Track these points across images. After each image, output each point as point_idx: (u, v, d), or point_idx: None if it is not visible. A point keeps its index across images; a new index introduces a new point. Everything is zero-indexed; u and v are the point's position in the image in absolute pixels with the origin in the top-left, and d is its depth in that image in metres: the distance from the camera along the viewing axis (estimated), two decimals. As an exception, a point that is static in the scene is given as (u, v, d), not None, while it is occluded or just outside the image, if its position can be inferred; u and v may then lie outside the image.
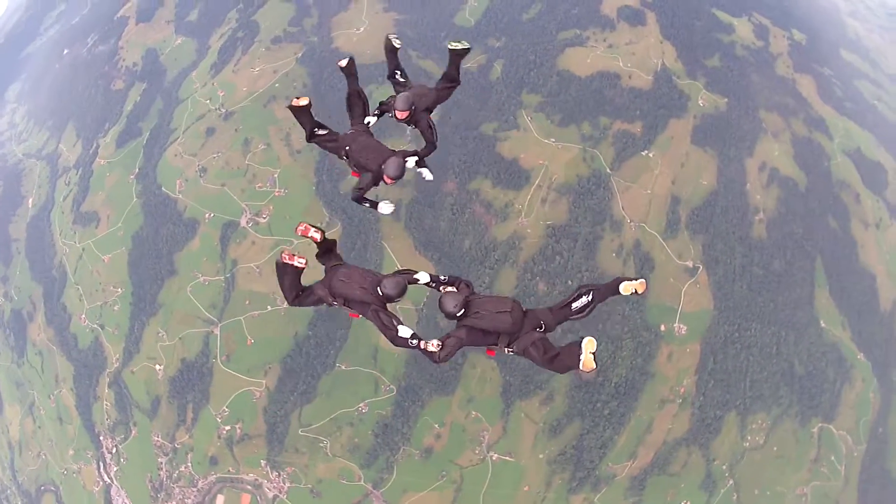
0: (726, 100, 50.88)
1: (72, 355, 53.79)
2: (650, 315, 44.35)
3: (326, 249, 9.24)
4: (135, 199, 52.28)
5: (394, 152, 9.39)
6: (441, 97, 10.82)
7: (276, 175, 47.46)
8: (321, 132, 9.93)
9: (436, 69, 49.78)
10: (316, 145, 10.21)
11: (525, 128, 46.57)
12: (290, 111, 10.20)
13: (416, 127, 9.94)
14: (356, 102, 10.33)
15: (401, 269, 8.64)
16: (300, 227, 9.10)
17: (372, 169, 9.20)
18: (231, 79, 52.00)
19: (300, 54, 51.28)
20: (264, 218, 46.89)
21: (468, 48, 10.75)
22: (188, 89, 53.56)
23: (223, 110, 50.64)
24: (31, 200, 61.40)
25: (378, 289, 7.71)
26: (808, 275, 49.86)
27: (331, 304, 8.44)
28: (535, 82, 48.35)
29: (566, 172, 45.41)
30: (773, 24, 58.07)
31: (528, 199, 44.62)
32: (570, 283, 43.44)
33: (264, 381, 45.65)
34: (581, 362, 7.19)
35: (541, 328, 7.74)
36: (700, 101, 49.91)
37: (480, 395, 43.09)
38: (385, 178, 9.01)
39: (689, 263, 45.75)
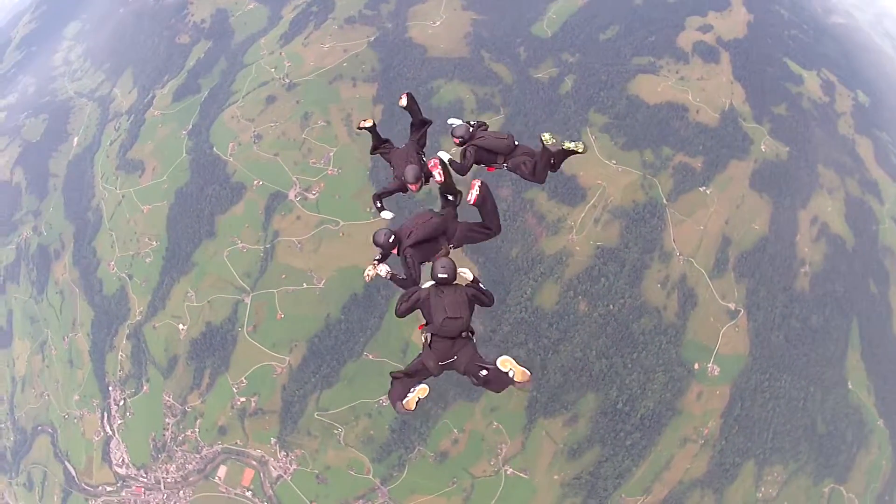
0: (788, 149, 49.71)
1: (94, 300, 52.43)
2: (686, 351, 43.03)
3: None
4: (184, 155, 51.08)
5: (414, 161, 9.40)
6: (519, 169, 9.57)
7: (331, 153, 46.26)
8: (384, 147, 10.18)
9: (506, 73, 48.74)
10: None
11: (588, 146, 45.29)
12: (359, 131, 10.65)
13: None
14: (418, 127, 10.19)
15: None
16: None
17: (397, 174, 9.24)
18: (299, 51, 50.92)
19: (373, 38, 50.23)
20: (314, 194, 45.65)
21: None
22: (254, 55, 52.48)
23: (287, 80, 49.52)
24: (76, 139, 60.19)
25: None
26: (843, 335, 48.55)
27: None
28: (604, 103, 47.24)
29: (623, 196, 44.21)
30: (840, 82, 56.97)
31: (582, 217, 43.37)
32: (611, 307, 42.17)
33: (288, 359, 44.29)
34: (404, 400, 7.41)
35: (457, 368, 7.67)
36: (763, 147, 48.75)
37: (505, 406, 41.72)
38: (408, 184, 8.94)
39: (732, 306, 44.44)
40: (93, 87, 61.48)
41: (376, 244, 8.47)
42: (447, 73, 47.28)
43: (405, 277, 8.51)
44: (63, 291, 55.07)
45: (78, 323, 53.37)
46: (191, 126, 51.66)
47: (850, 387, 48.88)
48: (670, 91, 48.37)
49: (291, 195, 45.99)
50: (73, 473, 51.71)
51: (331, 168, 45.84)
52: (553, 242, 42.84)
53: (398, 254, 8.60)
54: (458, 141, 9.29)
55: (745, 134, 48.61)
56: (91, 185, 56.19)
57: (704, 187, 45.93)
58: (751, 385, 44.72)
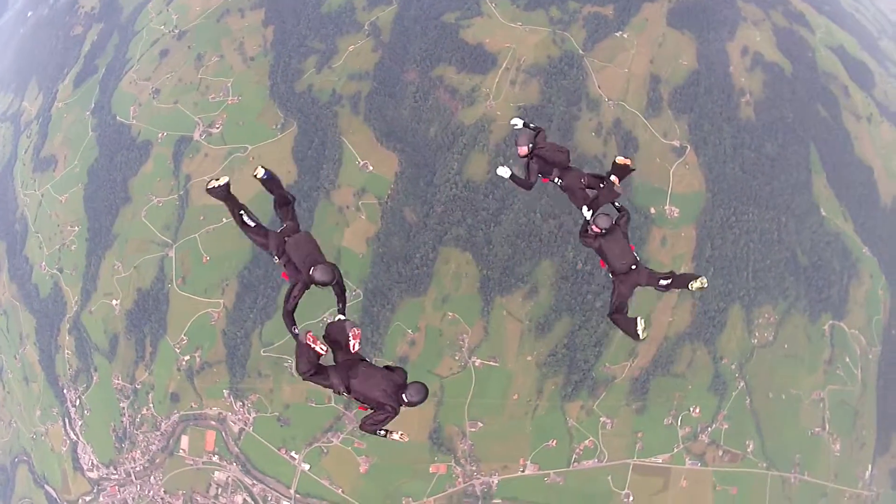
0: (701, -14, 44.55)
1: (34, 307, 46.87)
2: (637, 197, 37.25)
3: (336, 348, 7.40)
4: (90, 134, 45.91)
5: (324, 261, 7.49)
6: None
7: (229, 84, 41.19)
8: (249, 222, 7.66)
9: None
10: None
11: (489, 14, 40.26)
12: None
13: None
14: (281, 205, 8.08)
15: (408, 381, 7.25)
16: (309, 336, 7.05)
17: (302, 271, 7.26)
18: (185, 2, 46.25)
19: (254, -31, 45.49)
20: (217, 128, 40.41)
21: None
22: (144, 20, 47.79)
23: (176, 31, 44.71)
24: (-3, 162, 55.21)
25: (404, 396, 6.99)
26: (803, 160, 42.86)
27: (339, 393, 7.33)
28: (499, -29, 42.24)
29: (535, 54, 38.94)
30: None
31: (496, 82, 38.02)
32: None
33: (222, 301, 38.46)
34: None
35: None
36: (674, -14, 43.60)
37: (456, 292, 35.68)
38: (314, 281, 7.11)
39: (676, 143, 38.85)
40: (3, 108, 56.64)
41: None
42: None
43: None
44: (6, 310, 49.42)
45: (24, 336, 47.68)
46: (93, 105, 46.68)
47: (823, 214, 43.06)
48: (565, -51, 43.37)
49: (196, 135, 40.73)
50: (54, 495, 45.52)
51: (230, 98, 40.69)
52: (471, 112, 37.30)
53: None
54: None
55: (651, -23, 43.48)
56: (14, 197, 50.89)
57: (620, 32, 40.63)
58: (716, 222, 38.88)
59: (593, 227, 8.40)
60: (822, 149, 44.19)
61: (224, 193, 7.53)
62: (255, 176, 7.72)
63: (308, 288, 7.15)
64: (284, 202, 7.97)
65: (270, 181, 7.82)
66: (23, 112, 54.48)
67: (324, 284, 6.90)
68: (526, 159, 8.74)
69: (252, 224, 7.62)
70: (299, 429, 37.37)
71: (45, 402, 45.88)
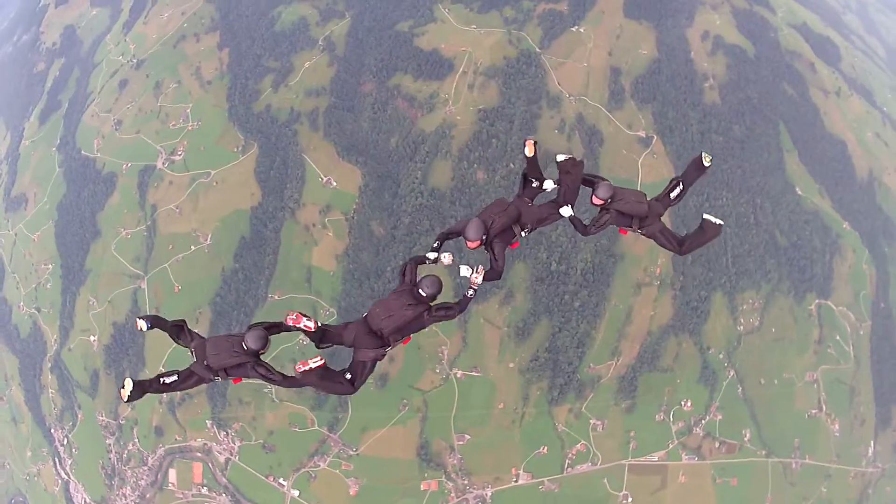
0: (657, -25, 43.26)
1: (16, 347, 45.55)
2: (607, 191, 35.79)
3: (322, 335, 6.94)
4: (57, 170, 44.60)
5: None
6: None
7: (188, 110, 39.85)
8: (172, 380, 6.88)
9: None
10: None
11: (442, 19, 38.97)
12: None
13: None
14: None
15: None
16: (291, 316, 6.69)
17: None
18: (142, 31, 44.97)
19: (207, -7, 44.29)
20: (179, 155, 39.05)
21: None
22: (103, 52, 46.49)
23: (134, 60, 43.39)
24: (-29, 206, 53.84)
25: (420, 291, 6.68)
26: (773, 140, 41.49)
27: (384, 355, 6.90)
28: (450, -24, 40.99)
29: (492, 56, 37.59)
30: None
31: (455, 87, 36.65)
32: (511, 165, 35.10)
33: (196, 329, 36.97)
34: None
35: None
36: (628, -23, 42.31)
37: (431, 303, 34.21)
38: (255, 351, 6.61)
39: (642, 133, 37.46)
40: (-25, 152, 55.36)
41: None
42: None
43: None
44: (-10, 354, 48.05)
45: (9, 377, 46.37)
46: (58, 141, 45.38)
47: (799, 192, 41.71)
48: (517, -52, 42.09)
49: (159, 164, 39.37)
50: (53, 536, 44.09)
51: (190, 124, 39.35)
52: (430, 120, 35.97)
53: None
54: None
55: (606, -31, 42.23)
56: (-11, 238, 49.64)
57: (577, 27, 39.34)
58: (690, 210, 37.42)
59: (597, 200, 7.34)
60: (791, 127, 42.86)
61: (140, 394, 6.74)
62: (140, 329, 7.09)
63: (258, 358, 6.61)
64: (178, 331, 7.24)
65: (155, 324, 7.03)
66: (-8, 154, 53.30)
67: (263, 347, 6.42)
68: (488, 247, 7.42)
69: (176, 379, 6.90)
70: (285, 454, 35.93)
71: (34, 443, 44.59)
